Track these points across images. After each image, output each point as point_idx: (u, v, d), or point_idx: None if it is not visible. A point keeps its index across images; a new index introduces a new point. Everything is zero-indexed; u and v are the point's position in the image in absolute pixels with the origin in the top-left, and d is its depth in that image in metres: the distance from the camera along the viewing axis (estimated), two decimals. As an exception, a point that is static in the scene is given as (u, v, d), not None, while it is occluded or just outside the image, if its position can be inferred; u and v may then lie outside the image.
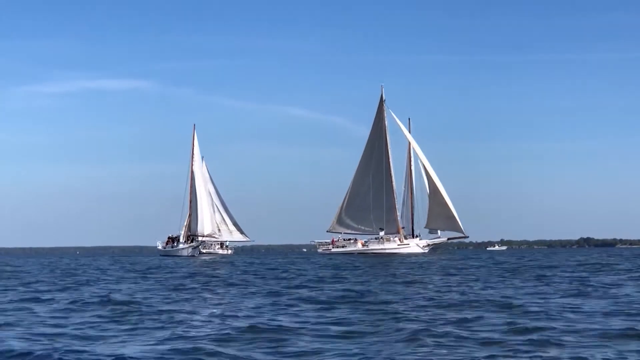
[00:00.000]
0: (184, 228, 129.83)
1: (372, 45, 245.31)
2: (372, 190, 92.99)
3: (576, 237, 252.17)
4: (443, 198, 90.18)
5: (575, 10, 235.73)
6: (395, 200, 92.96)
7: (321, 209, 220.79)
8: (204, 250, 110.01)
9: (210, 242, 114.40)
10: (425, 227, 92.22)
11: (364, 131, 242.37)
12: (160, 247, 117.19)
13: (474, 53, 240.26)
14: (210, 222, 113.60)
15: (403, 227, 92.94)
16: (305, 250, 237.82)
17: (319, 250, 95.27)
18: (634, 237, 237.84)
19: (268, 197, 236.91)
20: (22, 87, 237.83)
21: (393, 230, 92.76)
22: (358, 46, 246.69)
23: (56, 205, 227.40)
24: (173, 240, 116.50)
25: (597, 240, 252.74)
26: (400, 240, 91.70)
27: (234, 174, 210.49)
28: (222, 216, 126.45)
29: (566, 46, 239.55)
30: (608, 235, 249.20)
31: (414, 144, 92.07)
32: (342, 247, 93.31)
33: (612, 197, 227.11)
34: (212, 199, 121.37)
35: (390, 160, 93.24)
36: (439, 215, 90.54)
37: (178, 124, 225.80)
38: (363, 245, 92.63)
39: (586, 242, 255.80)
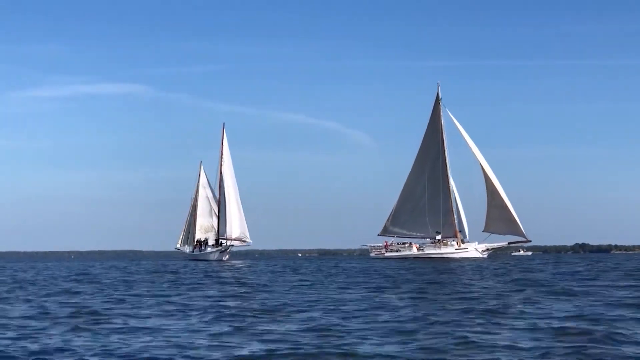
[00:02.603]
0: (183, 233, 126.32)
1: (366, 51, 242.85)
2: (428, 193, 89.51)
3: (571, 243, 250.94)
4: (503, 200, 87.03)
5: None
6: (452, 203, 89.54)
7: (316, 214, 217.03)
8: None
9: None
10: (483, 231, 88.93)
11: (358, 135, 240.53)
12: (187, 251, 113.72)
13: (467, 58, 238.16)
14: (239, 225, 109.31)
15: (460, 231, 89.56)
16: (300, 254, 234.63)
17: (372, 255, 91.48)
18: (629, 243, 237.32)
19: (262, 201, 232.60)
20: (19, 91, 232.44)
21: (450, 234, 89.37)
22: (355, 51, 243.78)
23: (51, 209, 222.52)
24: (201, 243, 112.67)
25: (593, 246, 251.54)
26: (457, 244, 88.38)
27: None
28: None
29: (559, 52, 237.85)
30: (603, 241, 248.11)
31: (471, 144, 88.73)
32: (396, 251, 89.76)
33: (607, 202, 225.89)
34: (210, 202, 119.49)
35: (447, 161, 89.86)
36: (499, 218, 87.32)
37: (173, 129, 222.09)
38: (418, 249, 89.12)
39: (581, 248, 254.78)
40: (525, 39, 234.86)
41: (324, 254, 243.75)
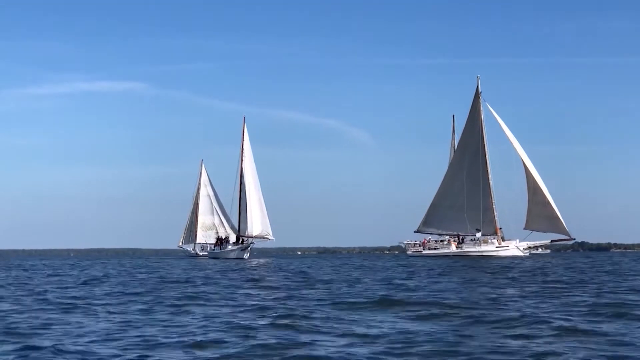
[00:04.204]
0: (184, 231, 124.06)
1: (367, 49, 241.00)
2: (466, 189, 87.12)
3: (570, 242, 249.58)
4: (545, 197, 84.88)
5: None
6: (493, 199, 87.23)
7: (315, 212, 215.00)
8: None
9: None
10: (524, 229, 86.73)
11: (358, 133, 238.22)
12: (201, 250, 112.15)
13: (469, 56, 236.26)
14: (261, 222, 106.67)
15: (501, 228, 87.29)
16: (299, 253, 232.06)
17: (409, 252, 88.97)
18: (628, 242, 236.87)
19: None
20: (17, 89, 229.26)
21: (490, 231, 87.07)
22: (352, 49, 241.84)
23: (49, 207, 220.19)
24: (222, 241, 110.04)
25: (592, 244, 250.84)
26: (498, 242, 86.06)
27: (231, 176, 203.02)
28: (220, 219, 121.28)
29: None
30: (602, 240, 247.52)
31: (513, 139, 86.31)
32: (435, 249, 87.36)
33: (606, 200, 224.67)
34: (211, 200, 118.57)
35: (487, 156, 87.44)
36: (539, 215, 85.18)
37: (173, 126, 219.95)
38: (457, 247, 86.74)
39: (580, 247, 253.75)
40: (528, 36, 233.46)
41: (323, 252, 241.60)
